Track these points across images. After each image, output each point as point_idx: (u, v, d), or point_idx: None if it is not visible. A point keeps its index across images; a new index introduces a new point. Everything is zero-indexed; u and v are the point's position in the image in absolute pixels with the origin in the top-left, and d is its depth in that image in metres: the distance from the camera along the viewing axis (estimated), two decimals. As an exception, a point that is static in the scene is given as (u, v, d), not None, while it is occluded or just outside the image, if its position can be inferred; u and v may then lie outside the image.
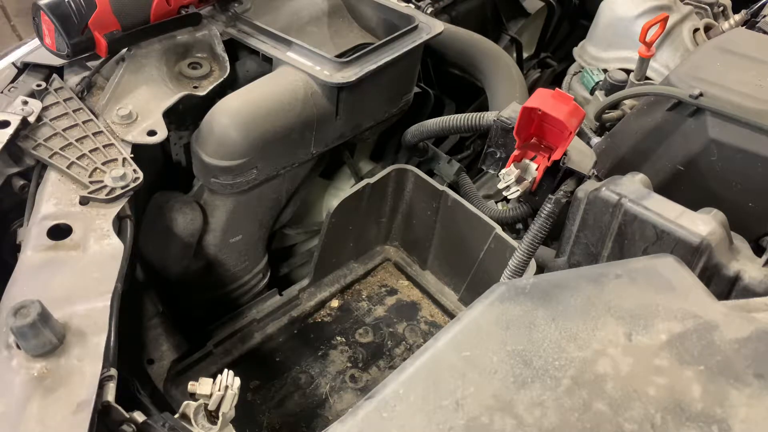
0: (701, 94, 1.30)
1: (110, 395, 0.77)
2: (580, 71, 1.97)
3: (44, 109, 1.15)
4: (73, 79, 1.25)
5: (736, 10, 1.95)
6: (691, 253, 1.08)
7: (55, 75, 1.23)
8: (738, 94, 1.29)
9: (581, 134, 1.62)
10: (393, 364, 1.55)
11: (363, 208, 1.61)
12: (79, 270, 0.91)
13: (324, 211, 1.79)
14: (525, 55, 2.31)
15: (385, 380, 0.73)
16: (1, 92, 1.20)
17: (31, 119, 1.11)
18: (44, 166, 1.09)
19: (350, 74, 1.31)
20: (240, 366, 1.52)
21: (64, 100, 1.18)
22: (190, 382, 0.83)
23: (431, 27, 1.46)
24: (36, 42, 1.28)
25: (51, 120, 1.14)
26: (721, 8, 2.01)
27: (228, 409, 0.81)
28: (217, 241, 1.45)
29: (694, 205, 1.14)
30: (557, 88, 1.18)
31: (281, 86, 1.32)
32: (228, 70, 1.37)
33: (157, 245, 1.38)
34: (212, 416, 0.82)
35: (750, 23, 1.87)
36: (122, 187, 1.04)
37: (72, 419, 0.72)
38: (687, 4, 1.93)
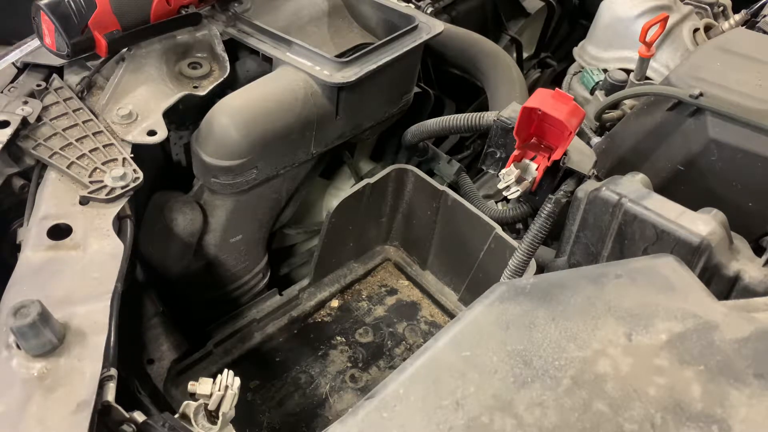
0: (701, 94, 1.30)
1: (110, 395, 0.77)
2: (580, 71, 1.97)
3: (44, 108, 1.15)
4: (73, 79, 1.25)
5: (736, 10, 1.95)
6: (691, 253, 1.08)
7: (55, 75, 1.23)
8: (738, 94, 1.29)
9: (581, 134, 1.62)
10: (393, 364, 1.55)
11: (363, 208, 1.61)
12: (79, 270, 0.91)
13: (324, 211, 1.79)
14: (525, 55, 2.31)
15: (385, 380, 0.73)
16: (1, 92, 1.20)
17: (31, 119, 1.11)
18: (44, 166, 1.09)
19: (350, 74, 1.31)
20: (240, 366, 1.51)
21: (64, 100, 1.18)
22: (190, 382, 0.83)
23: (431, 27, 1.46)
24: (36, 42, 1.28)
25: (51, 120, 1.14)
26: (721, 8, 2.01)
27: (228, 409, 0.81)
28: (217, 241, 1.45)
29: (694, 205, 1.14)
30: (557, 88, 1.18)
31: (281, 86, 1.32)
32: (228, 70, 1.37)
33: (157, 245, 1.38)
34: (212, 416, 0.82)
35: (750, 23, 1.87)
36: (122, 187, 1.04)
37: (72, 419, 0.72)
38: (687, 4, 1.93)
